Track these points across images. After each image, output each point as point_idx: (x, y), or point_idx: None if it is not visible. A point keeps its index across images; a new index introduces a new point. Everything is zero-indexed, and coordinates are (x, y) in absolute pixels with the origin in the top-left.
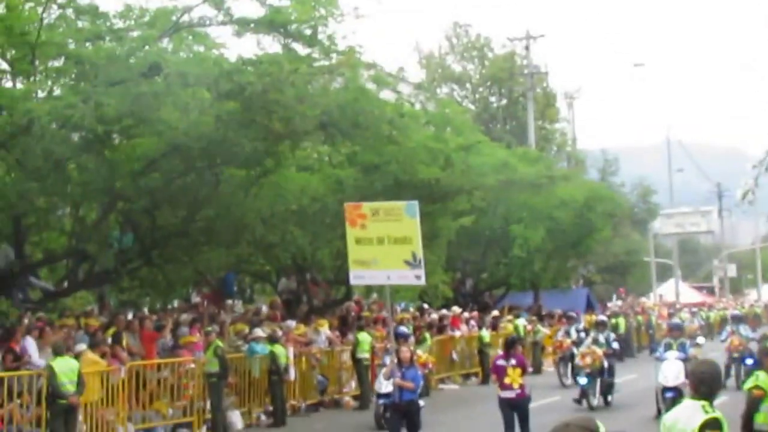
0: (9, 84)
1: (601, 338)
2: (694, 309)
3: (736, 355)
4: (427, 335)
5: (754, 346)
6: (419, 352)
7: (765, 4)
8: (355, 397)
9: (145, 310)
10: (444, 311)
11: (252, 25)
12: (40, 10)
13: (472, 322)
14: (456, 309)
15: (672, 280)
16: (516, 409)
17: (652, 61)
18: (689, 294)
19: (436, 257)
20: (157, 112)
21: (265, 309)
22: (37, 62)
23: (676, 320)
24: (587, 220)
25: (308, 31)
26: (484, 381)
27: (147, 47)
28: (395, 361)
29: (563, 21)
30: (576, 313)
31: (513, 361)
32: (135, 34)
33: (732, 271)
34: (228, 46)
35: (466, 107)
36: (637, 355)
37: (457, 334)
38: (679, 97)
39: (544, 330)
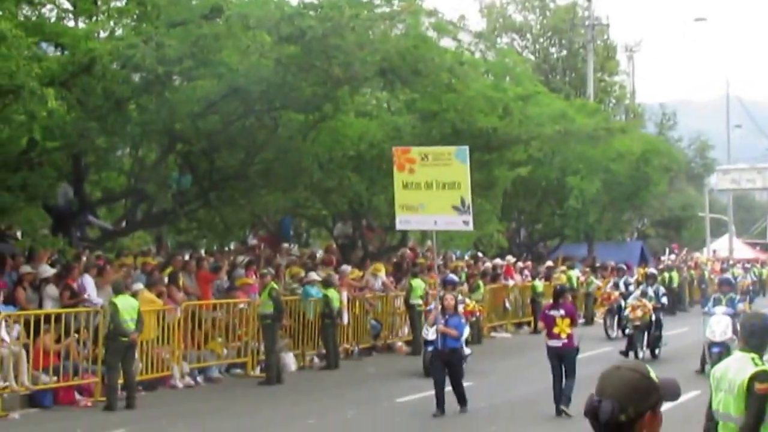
0: (71, 23)
1: (650, 291)
2: (747, 265)
3: None
4: (481, 283)
5: None
6: (467, 300)
7: None
8: (407, 343)
9: (202, 251)
10: (498, 260)
11: None
12: None
13: (526, 272)
14: (510, 258)
15: (726, 236)
16: (562, 358)
17: (714, 15)
18: (743, 250)
19: (491, 207)
20: (218, 54)
21: (320, 253)
22: (99, 2)
23: (726, 275)
24: (643, 174)
25: None
26: (536, 330)
27: None
28: (439, 308)
29: None
30: (628, 266)
31: (562, 311)
32: None
33: None
34: None
35: (525, 57)
36: (689, 309)
37: (511, 283)
38: (739, 52)
39: (596, 282)
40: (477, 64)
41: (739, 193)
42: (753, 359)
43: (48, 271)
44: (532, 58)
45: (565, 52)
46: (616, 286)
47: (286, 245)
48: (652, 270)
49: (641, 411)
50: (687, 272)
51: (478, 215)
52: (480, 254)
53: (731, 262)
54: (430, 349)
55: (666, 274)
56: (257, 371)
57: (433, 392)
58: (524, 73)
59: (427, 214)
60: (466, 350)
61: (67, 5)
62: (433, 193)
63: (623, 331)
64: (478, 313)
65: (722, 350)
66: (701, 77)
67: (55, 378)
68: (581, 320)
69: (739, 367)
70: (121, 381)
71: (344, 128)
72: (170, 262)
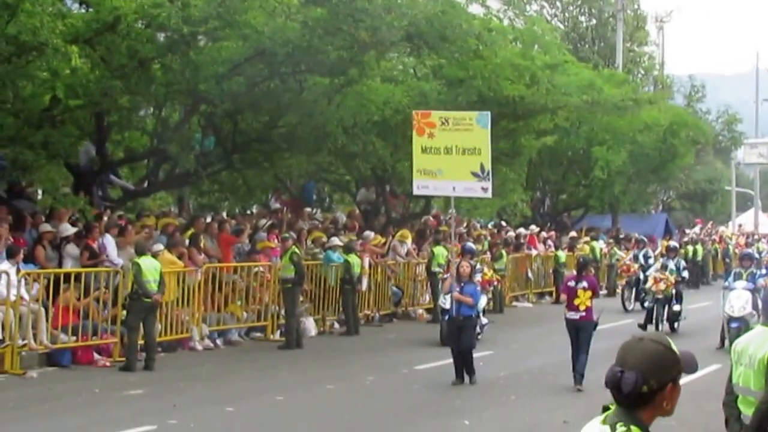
0: None
1: (671, 265)
2: None
3: None
4: (504, 252)
5: None
6: (485, 269)
7: None
8: (428, 310)
9: (224, 214)
10: (521, 229)
11: None
12: None
13: (549, 242)
14: (534, 228)
15: (752, 210)
16: (579, 330)
17: None
18: None
19: (516, 175)
20: (244, 15)
21: (343, 218)
22: None
23: (748, 250)
24: (670, 146)
25: None
26: (558, 301)
27: None
28: (454, 275)
29: None
30: (652, 239)
31: (584, 284)
32: None
33: None
34: None
35: (554, 25)
36: (713, 283)
37: (534, 252)
38: None
39: (620, 253)
40: (505, 31)
41: (766, 167)
42: None
43: (69, 230)
44: (561, 26)
45: (594, 21)
46: (635, 258)
47: (308, 210)
48: (673, 243)
49: (663, 383)
50: (711, 246)
51: (503, 184)
52: (503, 223)
53: (756, 236)
54: (446, 318)
55: (690, 248)
56: (277, 335)
57: (452, 360)
58: (552, 42)
59: (445, 179)
60: (483, 320)
61: None
62: (452, 159)
63: (642, 304)
64: (495, 282)
65: (741, 325)
66: (732, 50)
67: (74, 338)
68: (603, 291)
69: (760, 341)
70: (140, 342)
71: (369, 93)
72: (192, 224)
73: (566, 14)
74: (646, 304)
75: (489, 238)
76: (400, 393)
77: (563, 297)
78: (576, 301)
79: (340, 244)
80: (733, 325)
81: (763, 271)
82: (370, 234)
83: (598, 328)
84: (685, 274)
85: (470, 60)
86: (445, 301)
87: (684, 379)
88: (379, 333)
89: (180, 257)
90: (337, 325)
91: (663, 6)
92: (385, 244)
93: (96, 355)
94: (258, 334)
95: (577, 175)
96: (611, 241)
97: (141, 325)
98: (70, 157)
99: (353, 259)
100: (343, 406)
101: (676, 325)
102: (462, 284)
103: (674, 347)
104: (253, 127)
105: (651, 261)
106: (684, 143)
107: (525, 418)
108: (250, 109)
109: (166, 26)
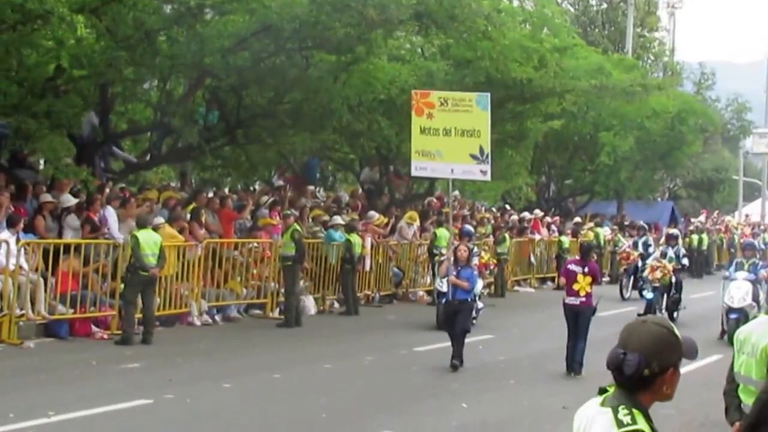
0: None
1: (671, 252)
2: None
3: None
4: (507, 236)
5: None
6: (482, 253)
7: None
8: (429, 292)
9: (226, 190)
10: (525, 214)
11: None
12: None
13: (553, 227)
14: (538, 212)
15: (759, 200)
16: (578, 316)
17: None
18: None
19: (522, 159)
20: None
21: (346, 197)
22: None
23: (750, 240)
24: (678, 133)
25: None
26: (560, 286)
27: None
28: (451, 258)
29: None
30: (657, 227)
31: (585, 269)
32: None
33: None
34: None
35: (565, 8)
36: (716, 273)
37: (537, 237)
38: None
39: (624, 240)
40: (515, 12)
41: None
42: None
43: (70, 200)
44: (572, 9)
45: (605, 5)
46: (635, 245)
47: (311, 188)
48: (674, 230)
49: (665, 367)
50: (717, 236)
51: (508, 167)
52: (507, 207)
53: (762, 227)
54: (443, 301)
55: (695, 237)
56: (276, 313)
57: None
58: (562, 25)
59: (444, 161)
60: (479, 304)
61: None
62: (451, 140)
63: (640, 293)
64: (492, 266)
65: (740, 316)
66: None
67: (72, 309)
68: (606, 279)
69: (763, 331)
70: (138, 315)
71: (376, 71)
72: (194, 199)
73: None
74: (644, 293)
75: (493, 221)
76: (399, 374)
77: (562, 280)
78: (575, 286)
79: (342, 223)
80: (732, 316)
81: (766, 262)
82: (374, 214)
83: (596, 315)
84: (685, 261)
85: (478, 41)
86: (442, 285)
87: (684, 369)
88: (379, 313)
89: (181, 231)
90: (336, 305)
91: None
92: (387, 224)
93: (94, 328)
94: (257, 311)
95: (583, 161)
96: (615, 227)
97: (139, 298)
98: (73, 127)
99: (355, 238)
100: (341, 385)
101: (675, 314)
102: (459, 268)
103: (677, 331)
104: (258, 102)
105: (651, 249)
106: (692, 131)
107: (524, 403)
108: (255, 84)
109: None
